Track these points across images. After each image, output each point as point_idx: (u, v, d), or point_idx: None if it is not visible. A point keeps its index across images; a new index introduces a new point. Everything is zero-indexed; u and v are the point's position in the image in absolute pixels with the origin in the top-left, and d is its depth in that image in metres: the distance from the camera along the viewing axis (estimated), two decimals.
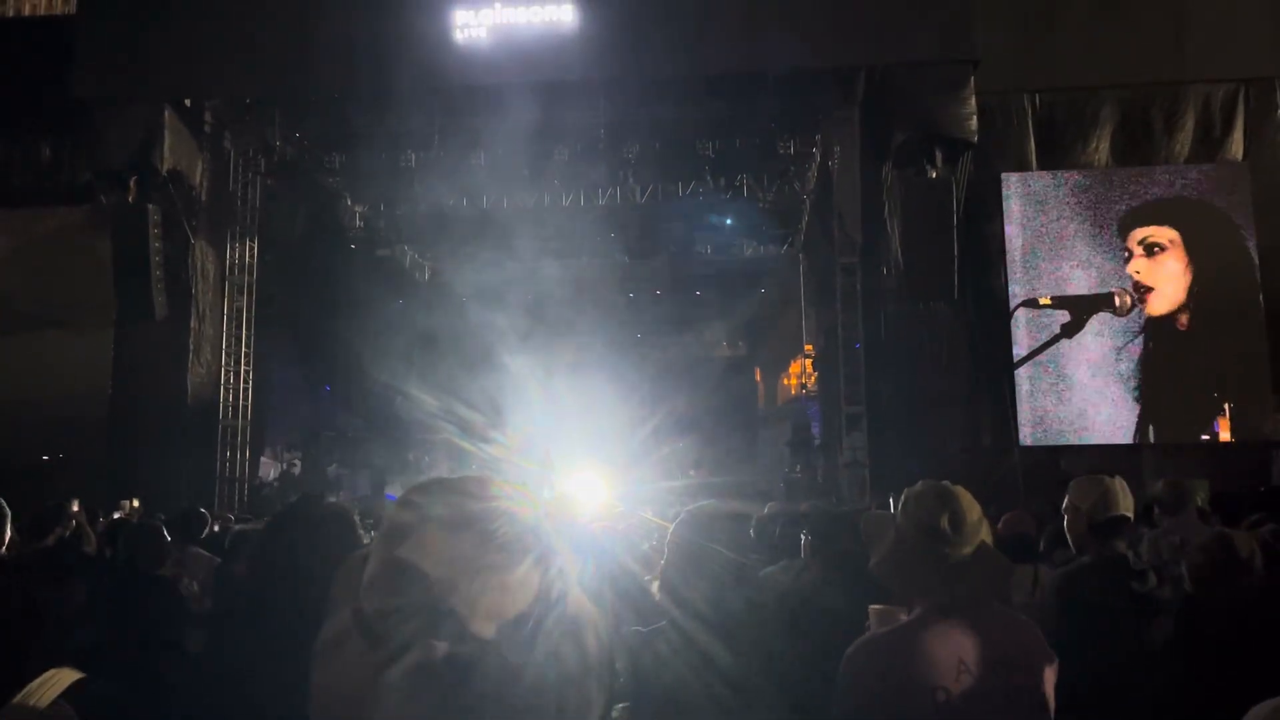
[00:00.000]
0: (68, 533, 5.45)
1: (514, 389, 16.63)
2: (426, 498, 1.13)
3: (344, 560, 1.39)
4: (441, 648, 1.02)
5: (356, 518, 2.39)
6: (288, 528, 2.25)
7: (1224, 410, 12.12)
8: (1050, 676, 2.24)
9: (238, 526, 7.16)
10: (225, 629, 2.31)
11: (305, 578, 2.03)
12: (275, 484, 15.68)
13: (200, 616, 4.40)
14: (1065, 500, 3.47)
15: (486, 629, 1.05)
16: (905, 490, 2.33)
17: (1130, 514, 3.33)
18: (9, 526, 4.45)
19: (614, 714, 2.29)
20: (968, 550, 2.21)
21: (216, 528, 6.84)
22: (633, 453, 16.00)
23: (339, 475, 16.94)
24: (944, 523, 2.20)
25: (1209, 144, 12.67)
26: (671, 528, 2.48)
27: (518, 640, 1.07)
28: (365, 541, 2.28)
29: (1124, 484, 3.37)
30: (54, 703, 1.92)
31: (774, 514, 4.62)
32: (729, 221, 18.58)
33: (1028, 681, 2.19)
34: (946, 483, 2.31)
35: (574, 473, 12.94)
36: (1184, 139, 12.67)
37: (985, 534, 2.29)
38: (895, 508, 2.37)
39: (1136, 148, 12.74)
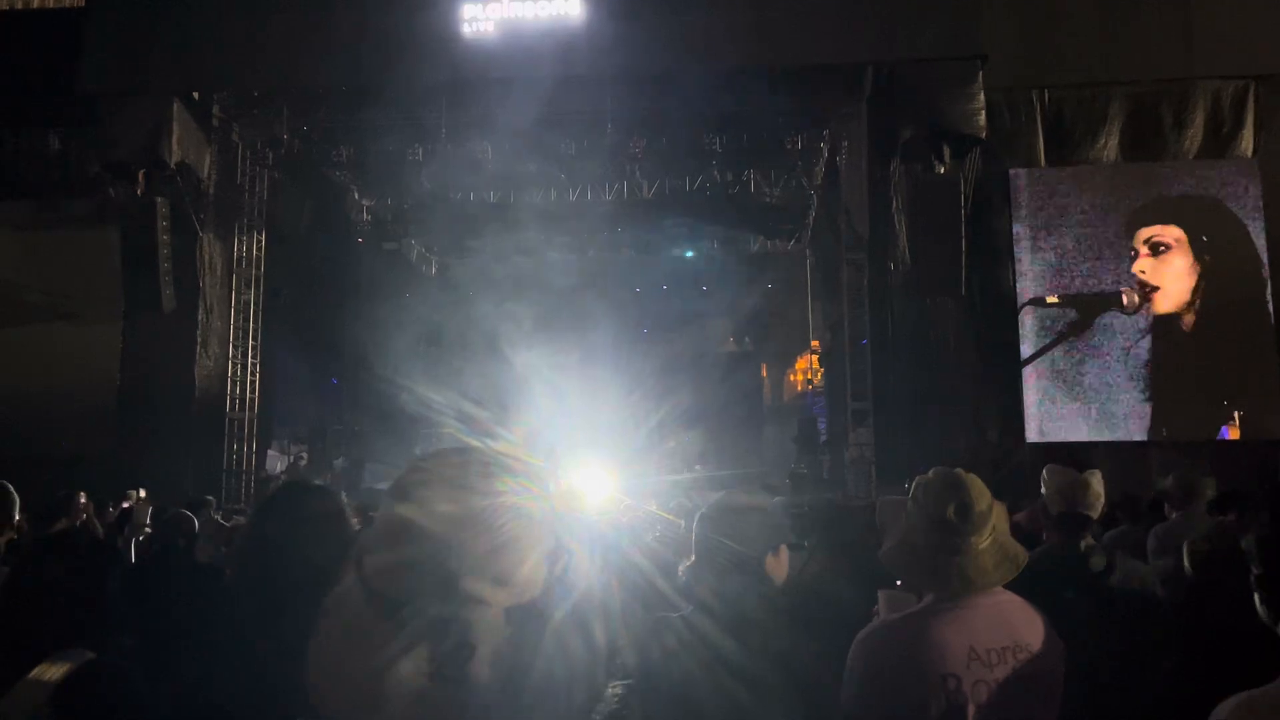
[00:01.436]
0: (76, 523, 5.49)
1: (520, 383, 16.64)
2: (434, 462, 1.14)
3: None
4: (442, 605, 1.02)
5: (345, 502, 2.39)
6: (272, 518, 2.25)
7: (1233, 418, 12.10)
8: (1060, 666, 2.25)
9: (236, 519, 7.19)
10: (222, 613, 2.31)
11: (290, 567, 2.03)
12: (282, 477, 15.71)
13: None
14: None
15: (489, 592, 1.05)
16: (917, 479, 2.33)
17: (1094, 511, 3.36)
18: (18, 511, 4.48)
19: (609, 691, 2.31)
20: (976, 539, 2.22)
21: (220, 518, 6.86)
22: (638, 447, 16.01)
23: (345, 468, 16.96)
24: (950, 512, 2.21)
25: (1218, 141, 12.61)
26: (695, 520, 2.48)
27: (528, 631, 1.07)
28: (355, 528, 2.27)
29: (1097, 478, 3.39)
30: (61, 680, 1.94)
31: (780, 506, 4.62)
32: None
33: (1038, 670, 2.19)
34: (958, 470, 2.31)
35: (580, 467, 12.95)
36: (1193, 135, 12.62)
37: (999, 521, 2.28)
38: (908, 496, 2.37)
39: (1145, 144, 12.69)
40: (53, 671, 1.96)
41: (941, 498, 2.24)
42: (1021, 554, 2.29)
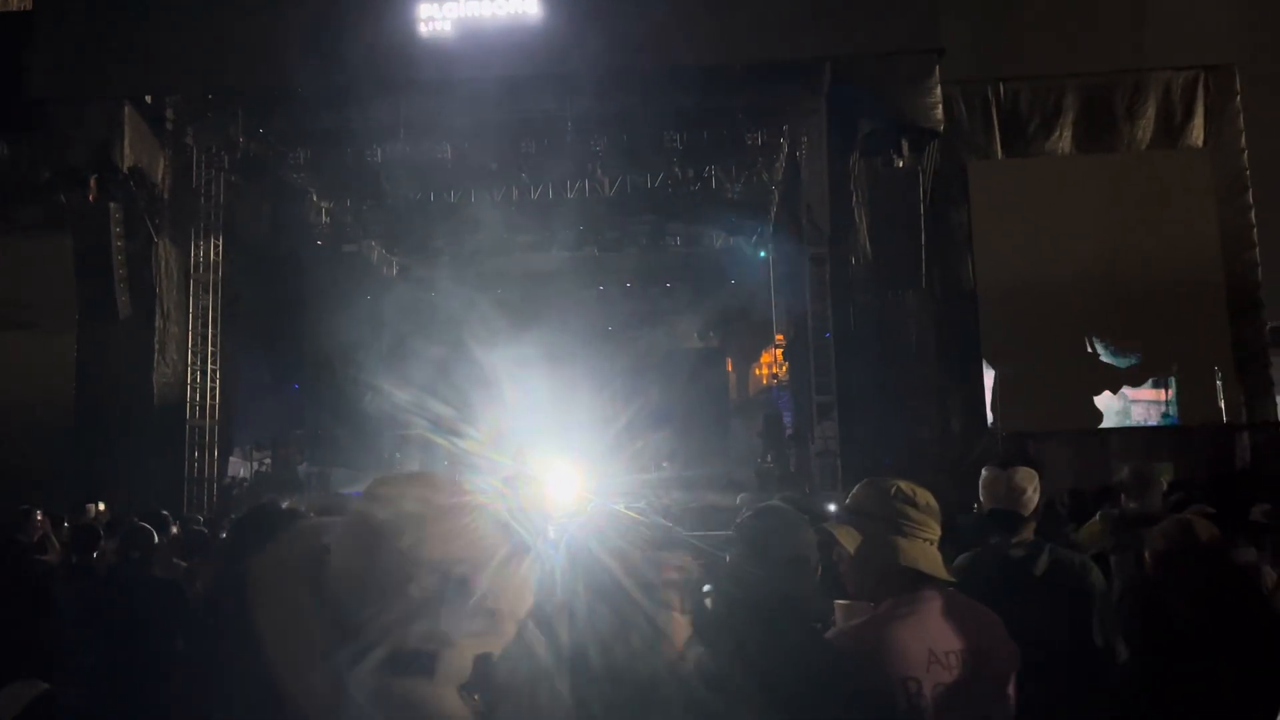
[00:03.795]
0: (34, 539, 5.38)
1: (485, 383, 16.55)
2: (394, 490, 1.12)
3: (275, 545, 1.27)
4: (411, 640, 1.01)
5: (314, 520, 2.35)
6: (245, 540, 2.22)
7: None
8: (1014, 666, 2.27)
9: (197, 529, 7.07)
10: (196, 636, 2.27)
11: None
12: (245, 484, 15.53)
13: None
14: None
15: (459, 622, 1.04)
16: (865, 486, 2.35)
17: (1024, 509, 3.41)
18: None
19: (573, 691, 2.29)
20: (931, 524, 2.24)
21: (175, 529, 6.74)
22: (605, 445, 15.98)
23: (310, 474, 16.79)
24: (893, 493, 2.24)
25: (1170, 131, 12.82)
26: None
27: (492, 633, 1.06)
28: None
29: (1027, 475, 3.44)
30: (20, 714, 1.89)
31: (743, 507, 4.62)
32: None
33: (994, 671, 2.21)
34: (891, 479, 2.33)
35: (547, 466, 12.91)
36: (1145, 126, 12.81)
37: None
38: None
39: (1099, 136, 12.88)
40: (3, 707, 1.90)
41: (886, 483, 2.28)
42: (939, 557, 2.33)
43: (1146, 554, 3.04)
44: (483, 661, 1.06)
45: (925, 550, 2.24)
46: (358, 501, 1.14)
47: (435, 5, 12.00)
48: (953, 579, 2.27)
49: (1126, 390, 12.69)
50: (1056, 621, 3.04)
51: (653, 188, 16.33)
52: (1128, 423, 12.63)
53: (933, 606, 2.22)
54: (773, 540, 2.20)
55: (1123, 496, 4.96)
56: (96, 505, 8.60)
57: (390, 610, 1.04)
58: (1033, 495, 3.42)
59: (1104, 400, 12.62)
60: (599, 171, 15.94)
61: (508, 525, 1.16)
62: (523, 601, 1.13)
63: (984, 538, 3.48)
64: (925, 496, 2.29)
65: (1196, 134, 12.79)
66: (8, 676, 1.97)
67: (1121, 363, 12.54)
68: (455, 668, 1.05)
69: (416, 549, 1.06)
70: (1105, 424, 12.58)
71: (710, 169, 16.21)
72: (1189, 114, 12.77)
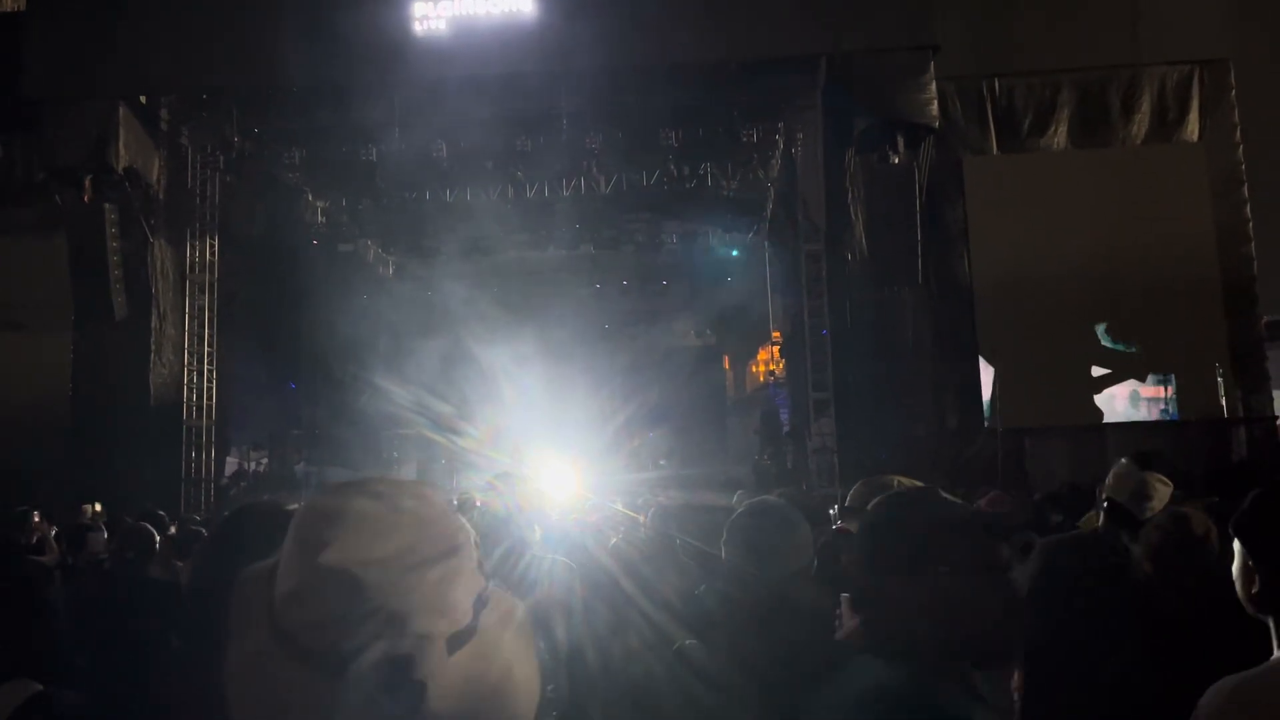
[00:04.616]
0: (33, 540, 5.38)
1: (482, 382, 16.57)
2: (344, 499, 1.02)
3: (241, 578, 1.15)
4: (390, 650, 0.95)
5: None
6: (227, 541, 2.20)
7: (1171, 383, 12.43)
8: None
9: (194, 529, 7.06)
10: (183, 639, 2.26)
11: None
12: (242, 483, 15.52)
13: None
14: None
15: (436, 625, 0.98)
16: (861, 485, 2.35)
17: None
18: None
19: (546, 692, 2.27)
20: None
21: (174, 530, 6.74)
22: (603, 444, 15.99)
23: (307, 473, 16.78)
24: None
25: (1165, 126, 12.82)
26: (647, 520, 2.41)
27: (488, 631, 1.03)
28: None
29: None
30: (13, 715, 1.88)
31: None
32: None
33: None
34: (890, 476, 2.33)
35: (544, 465, 12.92)
36: (1140, 121, 12.81)
37: None
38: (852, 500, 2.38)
39: (1094, 131, 12.88)
40: None
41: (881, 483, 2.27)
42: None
43: (1141, 548, 3.04)
44: (474, 659, 1.02)
45: None
46: (303, 544, 1.04)
47: (430, 3, 11.99)
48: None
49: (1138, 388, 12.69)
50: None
51: (649, 185, 16.31)
52: (1135, 417, 12.59)
53: None
54: (768, 537, 2.20)
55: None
56: (93, 506, 8.60)
57: (362, 623, 0.96)
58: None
59: (1114, 393, 12.61)
60: (595, 169, 15.93)
61: (506, 523, 1.14)
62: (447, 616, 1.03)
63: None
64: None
65: (1191, 129, 12.80)
66: (2, 677, 1.96)
67: (1122, 349, 12.53)
68: (443, 695, 0.98)
69: (378, 555, 0.99)
70: (1117, 418, 12.55)
71: (706, 166, 16.20)
72: (1184, 109, 12.78)
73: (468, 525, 1.06)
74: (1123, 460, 3.69)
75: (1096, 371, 12.61)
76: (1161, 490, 3.52)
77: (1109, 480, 3.64)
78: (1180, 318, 12.39)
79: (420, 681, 0.95)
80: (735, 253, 20.48)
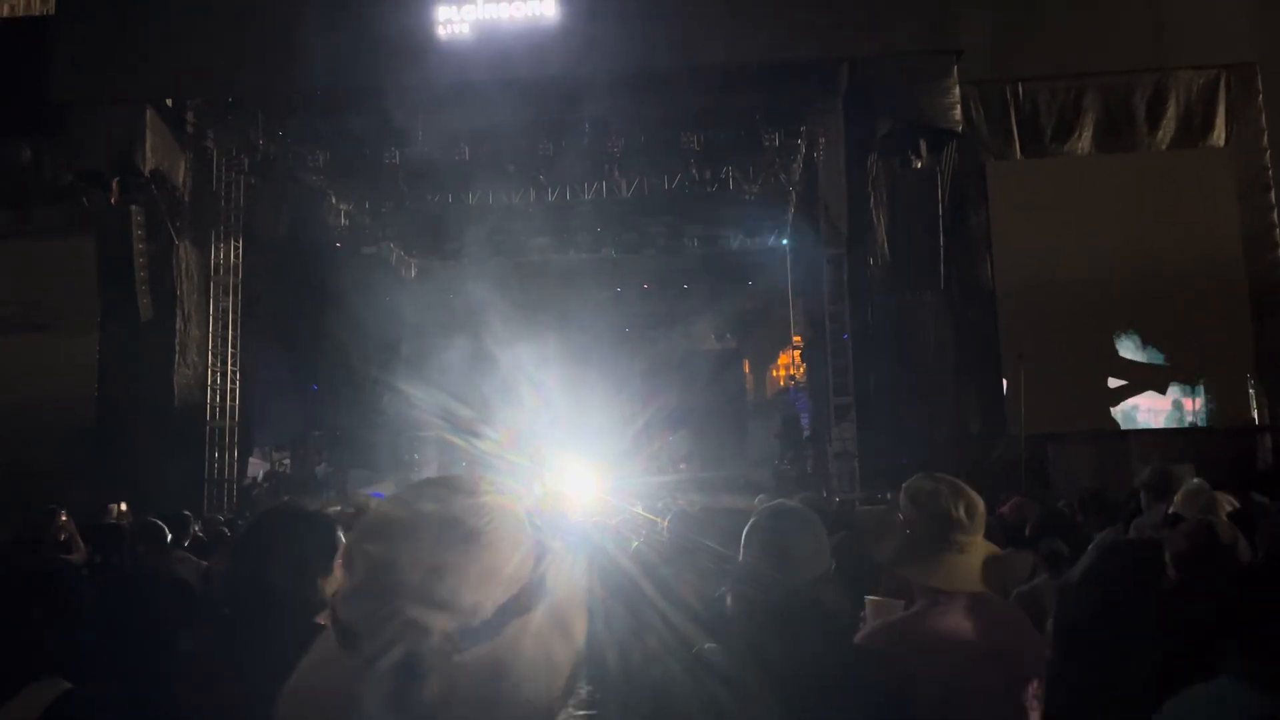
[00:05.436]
0: (60, 538, 5.44)
1: (503, 385, 16.60)
2: (411, 495, 1.11)
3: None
4: (423, 644, 1.00)
5: (338, 524, 2.35)
6: (257, 542, 2.22)
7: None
8: (1041, 670, 2.27)
9: (218, 529, 7.15)
10: (208, 637, 2.28)
11: (275, 595, 2.01)
12: (264, 484, 15.63)
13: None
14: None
15: (471, 623, 1.03)
16: (909, 483, 2.34)
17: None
18: None
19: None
20: (977, 538, 2.24)
21: (198, 528, 6.81)
22: (623, 447, 16.00)
23: (328, 474, 16.88)
24: (961, 510, 2.22)
25: (1191, 131, 12.71)
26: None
27: (508, 632, 1.06)
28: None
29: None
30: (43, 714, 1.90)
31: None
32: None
33: (1020, 674, 2.21)
34: (940, 478, 2.32)
35: (564, 468, 12.93)
36: (1166, 126, 12.71)
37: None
38: (899, 499, 2.37)
39: (1119, 136, 12.78)
40: (25, 708, 1.91)
41: (950, 498, 2.25)
42: (1005, 559, 2.32)
43: (1169, 555, 3.03)
44: (495, 659, 1.05)
45: (962, 564, 2.24)
46: (371, 506, 1.14)
47: (453, 8, 12.05)
48: (986, 589, 2.26)
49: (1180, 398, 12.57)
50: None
51: (670, 189, 16.33)
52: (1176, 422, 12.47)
53: (960, 607, 2.22)
54: (786, 540, 2.20)
55: (1143, 497, 4.93)
56: (119, 505, 8.68)
57: (402, 614, 1.02)
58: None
59: (1141, 400, 12.51)
60: (616, 173, 15.96)
61: (525, 525, 1.16)
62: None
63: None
64: (972, 503, 2.27)
65: (1218, 134, 12.68)
66: (30, 676, 1.99)
67: (1149, 357, 12.42)
68: (468, 667, 1.04)
69: (425, 551, 1.05)
70: (1146, 425, 12.44)
71: (728, 170, 16.20)
72: (1210, 114, 12.65)
73: (535, 529, 1.12)
74: (1195, 480, 3.72)
75: (1114, 383, 12.52)
76: (1231, 529, 3.53)
77: (1177, 499, 3.66)
78: (1207, 324, 12.27)
79: (445, 674, 0.99)
80: (756, 257, 20.46)
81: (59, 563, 4.74)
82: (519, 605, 1.07)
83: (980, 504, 2.28)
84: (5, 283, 13.50)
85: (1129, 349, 12.55)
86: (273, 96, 13.72)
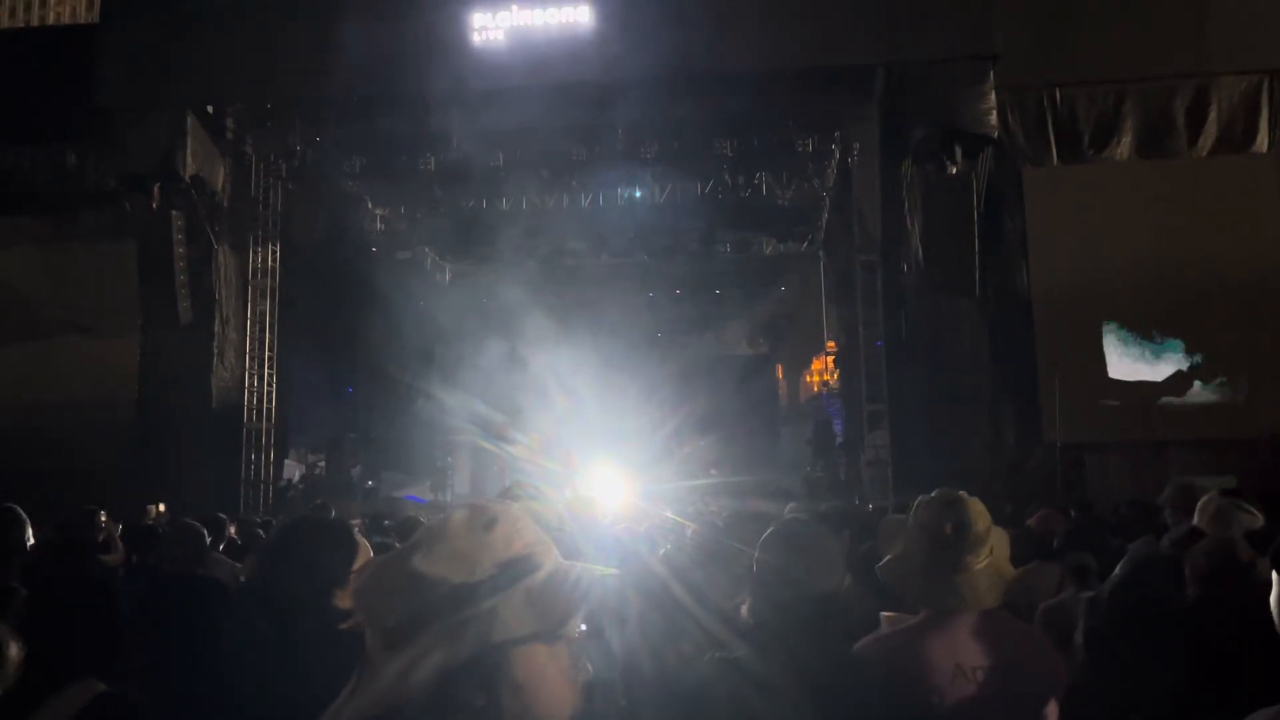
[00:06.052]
0: (100, 539, 5.53)
1: (535, 390, 16.67)
2: (444, 518, 1.13)
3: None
4: (462, 653, 1.02)
5: (357, 533, 2.38)
6: (283, 555, 2.25)
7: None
8: (1056, 686, 2.25)
9: (254, 531, 7.23)
10: (239, 642, 2.32)
11: (300, 606, 2.04)
12: (300, 486, 15.79)
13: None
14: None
15: (509, 633, 1.05)
16: (922, 496, 2.34)
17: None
18: (30, 533, 4.52)
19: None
20: (972, 558, 2.22)
21: (233, 530, 6.89)
22: (654, 452, 15.99)
23: (362, 477, 17.03)
24: (948, 529, 2.21)
25: (1233, 137, 12.50)
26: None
27: (544, 641, 1.07)
28: (365, 553, 2.26)
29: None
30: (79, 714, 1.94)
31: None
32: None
33: (1028, 691, 2.19)
34: (961, 492, 2.31)
35: (595, 472, 12.96)
36: (1208, 133, 12.51)
37: (998, 544, 2.29)
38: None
39: (1159, 142, 12.59)
40: (62, 709, 1.94)
41: (941, 515, 2.25)
42: (1008, 576, 2.30)
43: (1188, 572, 2.99)
44: (533, 668, 1.07)
45: (956, 581, 2.23)
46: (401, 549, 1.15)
47: (488, 14, 12.14)
48: (993, 605, 2.25)
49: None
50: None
51: (703, 194, 16.34)
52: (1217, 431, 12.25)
53: (966, 621, 2.21)
54: (800, 557, 2.20)
55: (1167, 512, 4.85)
56: (157, 506, 8.80)
57: (441, 621, 1.04)
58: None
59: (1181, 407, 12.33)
60: (650, 178, 15.99)
61: (558, 532, 1.17)
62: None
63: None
64: (964, 521, 2.25)
65: (1261, 140, 12.47)
66: (68, 676, 2.02)
67: (1190, 364, 12.24)
68: (507, 675, 1.06)
69: (466, 561, 1.07)
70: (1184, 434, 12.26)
71: (761, 175, 16.18)
72: (1253, 120, 12.44)
73: (568, 535, 1.15)
74: (1209, 494, 3.67)
75: (1154, 391, 12.34)
76: (1249, 521, 3.48)
77: (1205, 517, 3.62)
78: (1250, 331, 12.06)
79: (485, 682, 1.01)
80: (789, 262, 20.40)
81: (96, 564, 4.82)
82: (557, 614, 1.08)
83: (979, 522, 2.25)
84: (50, 286, 13.75)
85: (1170, 357, 12.37)
86: (310, 103, 13.88)
